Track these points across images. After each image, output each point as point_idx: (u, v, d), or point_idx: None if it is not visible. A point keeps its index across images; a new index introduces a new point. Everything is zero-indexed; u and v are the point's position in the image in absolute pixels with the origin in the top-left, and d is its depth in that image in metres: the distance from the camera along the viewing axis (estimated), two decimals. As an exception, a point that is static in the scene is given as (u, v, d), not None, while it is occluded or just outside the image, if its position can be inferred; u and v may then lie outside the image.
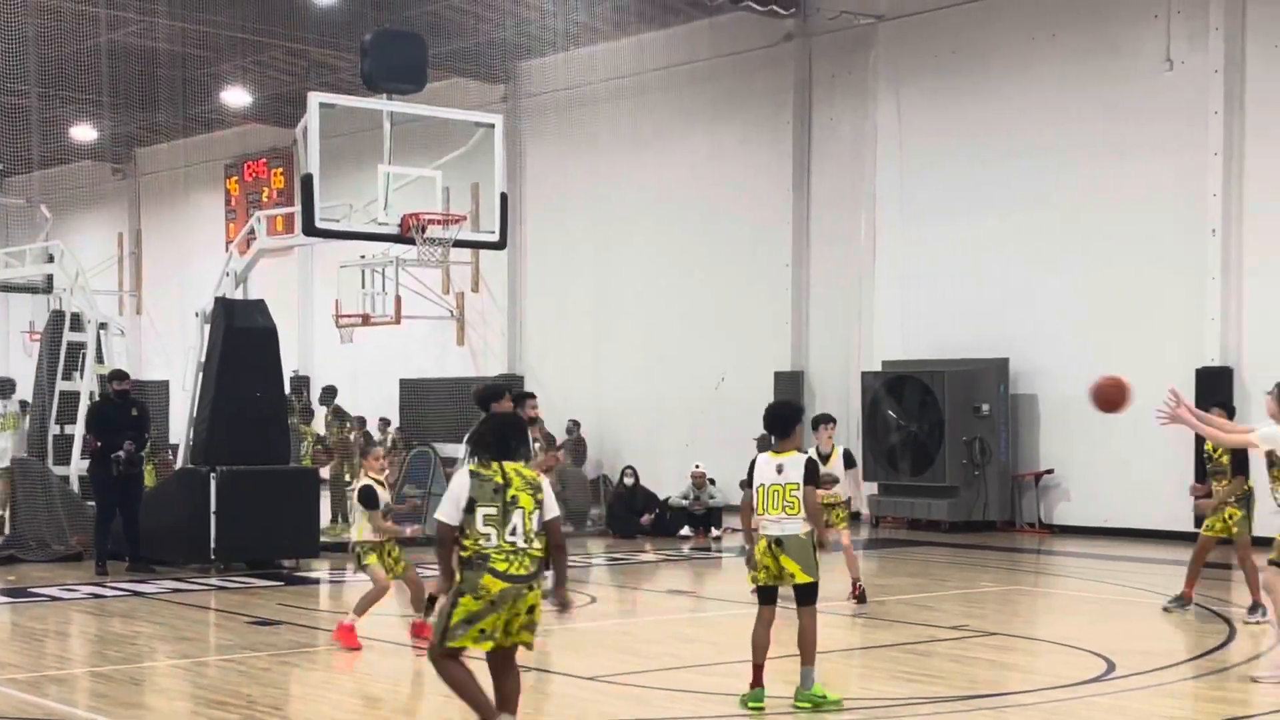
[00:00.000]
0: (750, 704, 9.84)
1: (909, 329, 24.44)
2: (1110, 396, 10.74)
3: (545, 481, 8.31)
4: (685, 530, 22.45)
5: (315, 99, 16.59)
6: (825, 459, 14.89)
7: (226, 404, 17.84)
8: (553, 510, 8.21)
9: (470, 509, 8.00)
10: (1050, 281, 22.72)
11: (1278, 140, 20.51)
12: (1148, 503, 21.44)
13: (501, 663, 8.23)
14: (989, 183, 23.45)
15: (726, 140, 26.95)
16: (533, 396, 15.39)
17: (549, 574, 8.41)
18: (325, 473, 23.19)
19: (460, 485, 8.10)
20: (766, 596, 9.99)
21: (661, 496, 23.05)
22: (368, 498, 12.26)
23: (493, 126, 17.66)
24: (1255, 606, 13.50)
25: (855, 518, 19.41)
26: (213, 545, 17.22)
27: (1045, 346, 22.70)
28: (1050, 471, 22.66)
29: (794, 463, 9.86)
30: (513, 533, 7.98)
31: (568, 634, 13.10)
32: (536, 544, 8.04)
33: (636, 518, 22.61)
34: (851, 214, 25.22)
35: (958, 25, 23.85)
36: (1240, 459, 13.60)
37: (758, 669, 9.89)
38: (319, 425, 25.23)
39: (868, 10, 24.80)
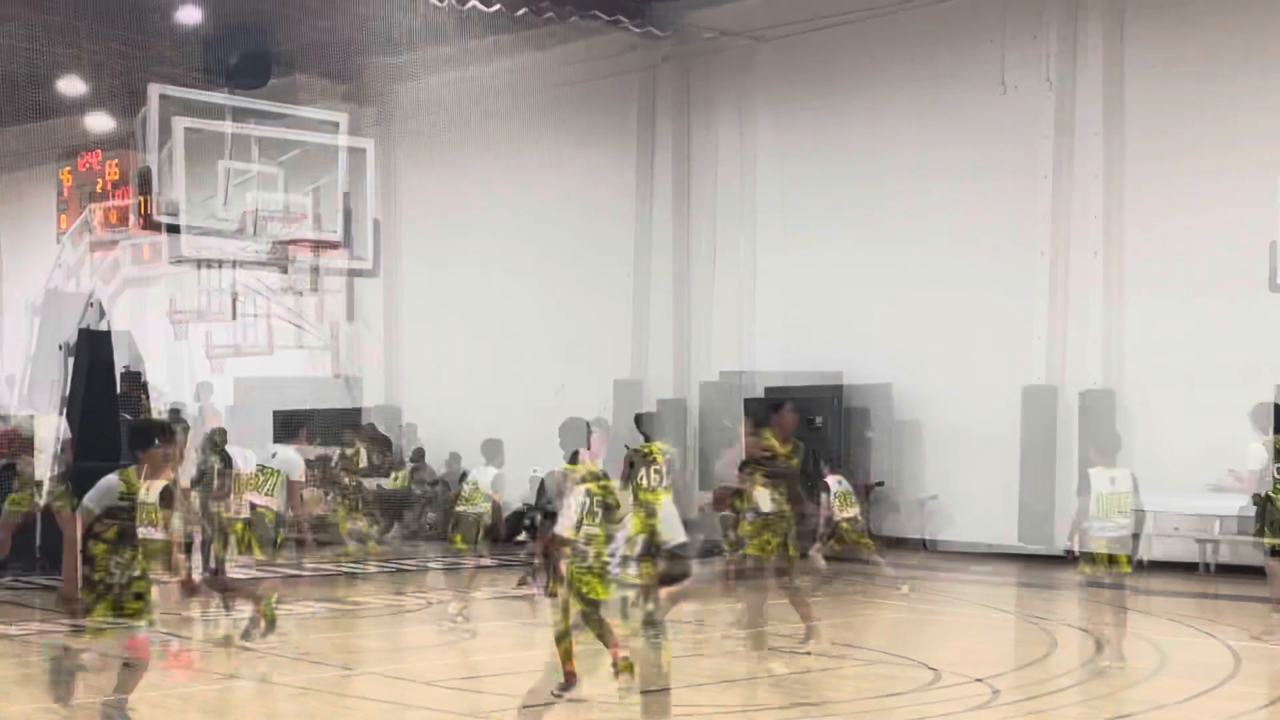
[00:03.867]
0: None
1: (747, 341, 24.69)
2: None
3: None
4: (522, 535, 22.44)
5: (156, 90, 16.33)
6: None
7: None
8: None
9: None
10: (886, 298, 23.12)
11: (1105, 164, 21.07)
12: (984, 518, 21.86)
13: None
14: (832, 200, 23.79)
15: (568, 148, 26.94)
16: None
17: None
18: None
19: None
20: None
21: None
22: None
23: (336, 125, 17.52)
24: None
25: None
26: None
27: (880, 362, 23.10)
28: (881, 484, 23.07)
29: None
30: None
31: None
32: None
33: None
34: (694, 225, 25.43)
35: (808, 48, 24.13)
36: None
37: None
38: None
39: (714, 26, 25.04)
